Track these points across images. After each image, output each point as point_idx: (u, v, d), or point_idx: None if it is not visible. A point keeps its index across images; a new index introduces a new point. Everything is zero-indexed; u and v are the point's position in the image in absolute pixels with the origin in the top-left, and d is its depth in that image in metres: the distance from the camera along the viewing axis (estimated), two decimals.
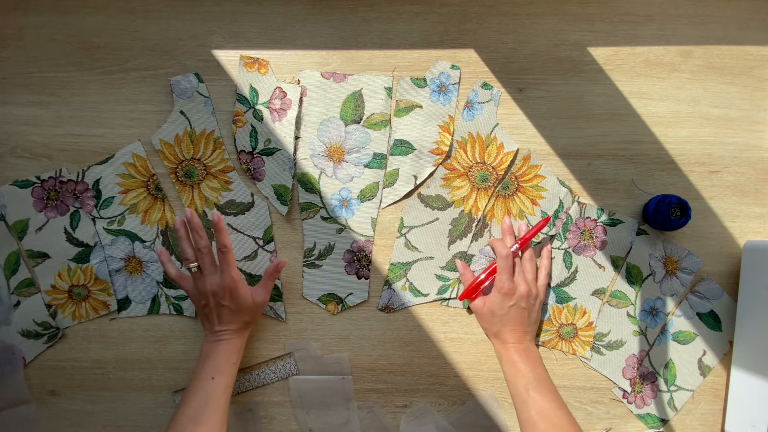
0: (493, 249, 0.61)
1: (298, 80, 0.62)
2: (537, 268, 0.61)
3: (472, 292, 0.61)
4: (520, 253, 0.60)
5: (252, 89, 0.61)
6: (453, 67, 0.62)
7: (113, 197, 0.62)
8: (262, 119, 0.61)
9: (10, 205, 0.61)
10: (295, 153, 0.62)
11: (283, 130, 0.61)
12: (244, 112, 0.61)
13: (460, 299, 0.63)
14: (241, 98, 0.61)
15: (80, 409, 0.64)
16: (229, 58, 0.62)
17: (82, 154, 0.62)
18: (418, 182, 0.62)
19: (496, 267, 0.60)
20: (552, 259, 0.62)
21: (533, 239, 0.61)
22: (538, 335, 0.63)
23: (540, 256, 0.62)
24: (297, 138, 0.62)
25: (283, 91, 0.61)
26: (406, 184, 0.62)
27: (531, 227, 0.62)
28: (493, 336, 0.60)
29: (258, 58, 0.62)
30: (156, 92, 0.62)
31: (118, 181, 0.62)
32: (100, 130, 0.62)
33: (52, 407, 0.64)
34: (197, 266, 0.56)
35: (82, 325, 0.63)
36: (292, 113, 0.61)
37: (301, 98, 0.61)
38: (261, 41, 0.62)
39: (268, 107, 0.61)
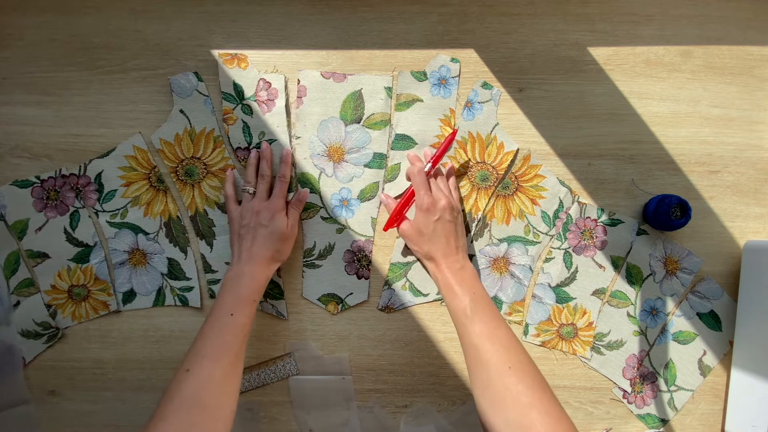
0: (407, 173, 0.60)
1: (298, 80, 0.62)
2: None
3: (395, 219, 0.60)
4: (433, 173, 0.59)
5: (236, 85, 0.61)
6: (453, 60, 0.62)
7: (115, 190, 0.62)
8: (251, 113, 0.61)
9: (10, 205, 0.61)
10: (291, 141, 0.62)
11: (274, 120, 0.61)
12: (233, 109, 0.61)
13: (385, 230, 0.61)
14: (227, 96, 0.61)
15: (80, 409, 0.64)
16: None
17: (82, 154, 0.62)
18: None
19: (413, 191, 0.59)
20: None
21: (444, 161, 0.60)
22: (537, 336, 0.63)
23: (446, 175, 0.61)
24: (297, 138, 0.62)
25: (267, 82, 0.61)
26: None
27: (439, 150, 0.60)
28: (426, 260, 0.59)
29: (236, 54, 0.61)
30: (156, 92, 0.62)
31: (120, 174, 0.62)
32: (100, 130, 0.62)
33: (52, 407, 0.64)
34: (254, 190, 0.60)
35: (82, 325, 0.63)
36: (280, 102, 0.61)
37: (286, 84, 0.61)
38: (261, 41, 0.62)
39: (255, 100, 0.61)
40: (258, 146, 0.62)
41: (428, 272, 0.60)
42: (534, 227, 0.63)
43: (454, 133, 0.59)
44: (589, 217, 0.63)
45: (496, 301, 0.63)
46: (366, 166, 0.62)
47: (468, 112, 0.62)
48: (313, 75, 0.62)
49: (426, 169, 0.58)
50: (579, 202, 0.63)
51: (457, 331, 0.54)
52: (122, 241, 0.62)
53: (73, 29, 0.62)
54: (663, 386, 0.63)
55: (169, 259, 0.63)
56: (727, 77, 0.62)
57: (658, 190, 0.62)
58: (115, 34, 0.62)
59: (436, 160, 0.59)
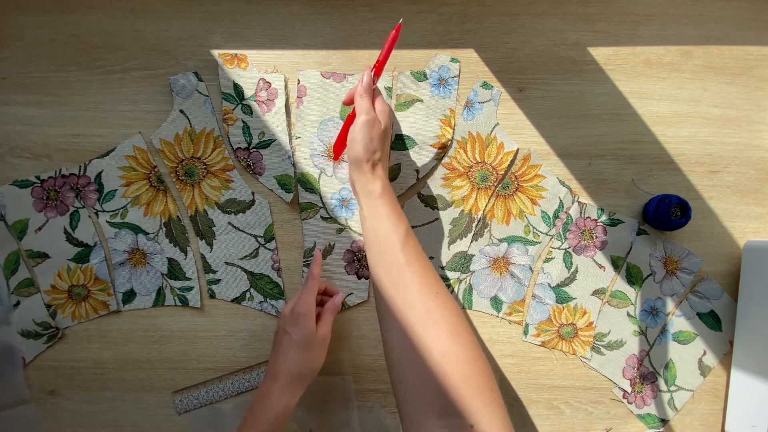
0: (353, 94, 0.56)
1: (298, 80, 0.62)
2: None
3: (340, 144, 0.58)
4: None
5: (236, 85, 0.61)
6: (453, 60, 0.62)
7: (115, 190, 0.62)
8: (251, 113, 0.61)
9: (10, 205, 0.61)
10: (291, 141, 0.62)
11: (274, 120, 0.61)
12: (233, 110, 0.61)
13: (336, 159, 0.60)
14: (227, 96, 0.61)
15: (80, 409, 0.64)
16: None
17: (81, 154, 0.62)
18: (420, 176, 0.62)
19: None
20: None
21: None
22: (537, 336, 0.63)
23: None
24: (297, 138, 0.62)
25: (267, 82, 0.61)
26: (408, 178, 0.62)
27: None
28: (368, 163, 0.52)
29: (236, 54, 0.61)
30: (156, 92, 0.62)
31: (120, 174, 0.62)
32: (100, 130, 0.62)
33: (52, 407, 0.64)
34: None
35: (81, 325, 0.63)
36: (280, 102, 0.61)
37: (286, 84, 0.61)
38: (261, 41, 0.62)
39: (255, 100, 0.61)
40: (258, 145, 0.62)
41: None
42: (534, 227, 0.63)
43: (398, 30, 0.54)
44: (589, 217, 0.63)
45: (497, 301, 0.63)
46: None
47: (468, 112, 0.62)
48: (313, 75, 0.62)
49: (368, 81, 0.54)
50: (579, 202, 0.63)
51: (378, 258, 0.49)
52: (122, 241, 0.62)
53: (73, 29, 0.62)
54: (663, 386, 0.63)
55: (169, 259, 0.63)
56: (727, 77, 0.62)
57: (658, 190, 0.62)
58: (115, 34, 0.62)
59: (379, 67, 0.55)
